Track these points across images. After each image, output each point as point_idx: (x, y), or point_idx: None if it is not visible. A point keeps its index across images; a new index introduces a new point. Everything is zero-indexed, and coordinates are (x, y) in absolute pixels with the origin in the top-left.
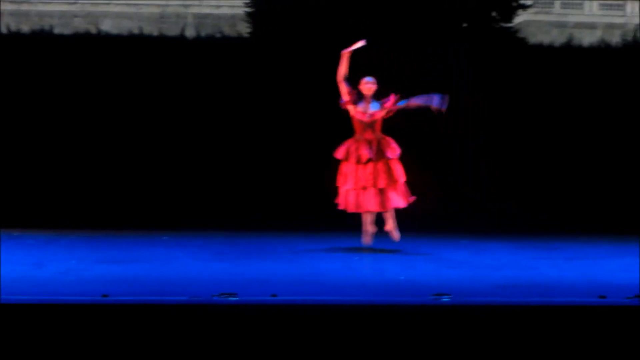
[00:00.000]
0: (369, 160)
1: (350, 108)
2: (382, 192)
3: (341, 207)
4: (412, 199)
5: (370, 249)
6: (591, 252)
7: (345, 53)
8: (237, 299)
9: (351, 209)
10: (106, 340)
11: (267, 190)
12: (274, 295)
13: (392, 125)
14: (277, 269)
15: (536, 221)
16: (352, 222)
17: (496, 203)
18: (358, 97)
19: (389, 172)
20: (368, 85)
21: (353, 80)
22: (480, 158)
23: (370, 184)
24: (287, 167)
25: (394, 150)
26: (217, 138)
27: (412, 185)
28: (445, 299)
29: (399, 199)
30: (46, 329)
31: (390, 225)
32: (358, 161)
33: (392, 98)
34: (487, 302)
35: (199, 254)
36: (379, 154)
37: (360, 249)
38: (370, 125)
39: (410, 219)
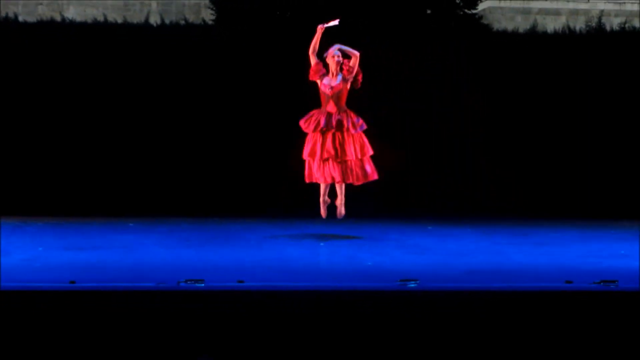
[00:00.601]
0: (327, 130)
1: (317, 80)
2: (342, 165)
3: (306, 179)
4: (374, 178)
5: (337, 235)
6: (559, 238)
7: (320, 28)
8: (204, 285)
9: (307, 179)
10: (74, 326)
11: (233, 177)
12: (241, 282)
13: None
14: (244, 256)
15: (507, 206)
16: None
17: (466, 188)
18: (325, 71)
19: (352, 145)
20: (334, 57)
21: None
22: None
23: (328, 155)
24: (253, 153)
25: (356, 125)
26: (183, 125)
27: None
28: (412, 285)
29: (356, 175)
30: (14, 316)
31: (339, 200)
32: (315, 129)
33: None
34: (454, 288)
35: (165, 241)
36: (339, 126)
37: (327, 236)
38: (333, 97)
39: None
